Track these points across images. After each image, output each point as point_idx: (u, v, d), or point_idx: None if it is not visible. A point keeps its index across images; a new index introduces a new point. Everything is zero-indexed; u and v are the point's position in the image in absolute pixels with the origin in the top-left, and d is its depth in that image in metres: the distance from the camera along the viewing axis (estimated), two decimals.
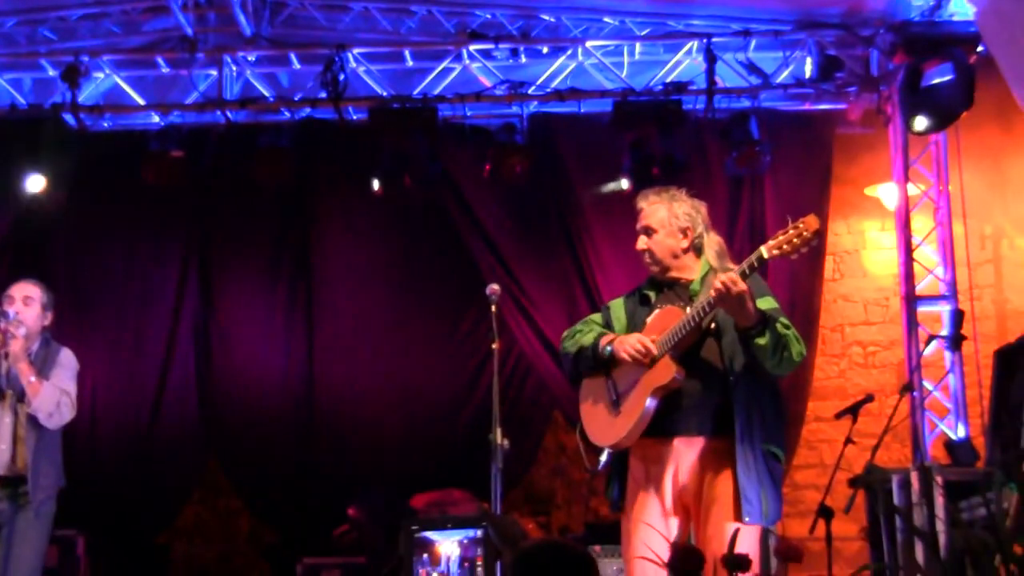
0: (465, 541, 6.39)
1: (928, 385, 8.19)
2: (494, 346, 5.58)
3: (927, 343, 7.73)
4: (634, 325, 4.82)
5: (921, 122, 7.95)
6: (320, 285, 9.17)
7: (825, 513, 6.20)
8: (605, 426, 4.77)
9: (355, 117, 8.82)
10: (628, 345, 4.68)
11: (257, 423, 9.04)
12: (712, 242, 4.84)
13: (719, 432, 4.56)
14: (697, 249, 4.83)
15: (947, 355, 8.21)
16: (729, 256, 4.84)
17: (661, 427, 4.60)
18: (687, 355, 4.59)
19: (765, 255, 4.35)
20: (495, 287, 5.62)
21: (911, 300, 8.30)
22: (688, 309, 4.58)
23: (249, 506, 9.32)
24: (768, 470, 4.54)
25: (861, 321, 9.18)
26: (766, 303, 4.60)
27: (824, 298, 8.85)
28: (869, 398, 6.92)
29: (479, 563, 6.26)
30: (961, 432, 8.03)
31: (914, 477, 6.91)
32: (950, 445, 7.82)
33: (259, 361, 9.13)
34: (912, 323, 8.27)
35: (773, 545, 6.46)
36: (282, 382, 9.12)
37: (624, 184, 8.40)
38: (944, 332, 8.16)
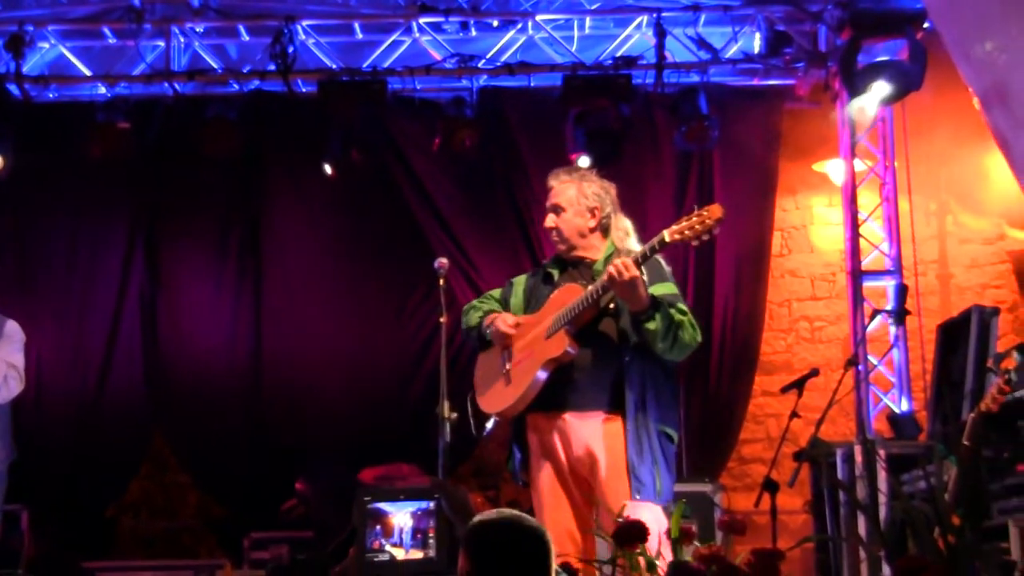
0: (418, 512, 6.40)
1: (873, 359, 8.28)
2: (442, 319, 5.57)
3: (871, 317, 7.82)
4: (532, 302, 4.91)
5: (882, 87, 7.96)
6: (269, 259, 9.10)
7: (770, 487, 6.29)
8: (495, 394, 4.90)
9: (304, 90, 8.74)
10: (497, 324, 4.84)
11: (204, 398, 8.97)
12: (620, 223, 4.92)
13: (612, 409, 4.66)
14: (604, 229, 4.91)
15: (892, 329, 8.31)
16: (637, 238, 4.90)
17: (553, 401, 4.72)
18: (584, 332, 4.68)
19: (667, 239, 4.47)
20: (443, 260, 5.62)
21: (857, 275, 8.39)
22: (588, 287, 4.64)
23: (196, 481, 9.25)
24: (662, 449, 4.64)
25: (808, 296, 9.23)
26: (664, 288, 4.69)
27: (772, 273, 8.92)
28: (814, 372, 7.00)
29: (431, 535, 6.28)
30: (905, 406, 8.13)
31: (857, 451, 7.01)
32: (893, 419, 7.92)
33: (207, 335, 9.05)
34: (858, 298, 8.35)
35: (717, 518, 6.54)
36: (230, 357, 9.05)
37: (585, 161, 8.35)
38: (889, 307, 8.25)
